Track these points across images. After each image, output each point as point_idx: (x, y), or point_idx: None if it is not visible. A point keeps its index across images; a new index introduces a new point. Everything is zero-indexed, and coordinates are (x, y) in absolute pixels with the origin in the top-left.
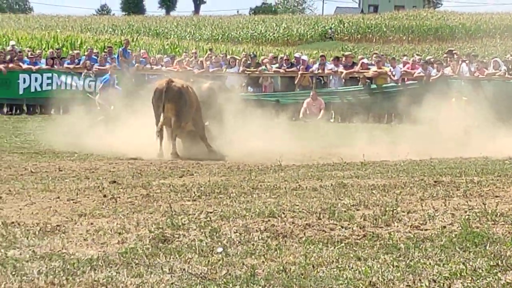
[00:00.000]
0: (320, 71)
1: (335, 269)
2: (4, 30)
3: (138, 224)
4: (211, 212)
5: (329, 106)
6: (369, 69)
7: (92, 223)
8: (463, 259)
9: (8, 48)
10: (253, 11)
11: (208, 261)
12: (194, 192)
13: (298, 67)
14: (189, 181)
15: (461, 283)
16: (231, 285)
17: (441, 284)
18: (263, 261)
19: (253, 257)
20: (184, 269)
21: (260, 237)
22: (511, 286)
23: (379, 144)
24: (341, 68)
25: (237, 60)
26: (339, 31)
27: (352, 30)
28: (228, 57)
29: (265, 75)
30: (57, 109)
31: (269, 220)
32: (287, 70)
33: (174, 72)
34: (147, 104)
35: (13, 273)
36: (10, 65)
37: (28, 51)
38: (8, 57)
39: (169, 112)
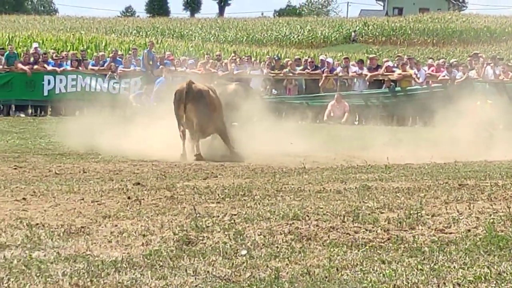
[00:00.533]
0: (344, 73)
1: (359, 272)
2: (29, 32)
3: (162, 226)
4: (235, 215)
5: (354, 108)
6: (393, 71)
7: (116, 225)
8: (488, 263)
9: (31, 50)
10: (277, 13)
11: (232, 263)
12: (218, 194)
13: (322, 69)
14: (213, 183)
15: (485, 287)
16: (255, 287)
17: None
18: (287, 264)
19: (277, 259)
20: (208, 271)
21: (284, 240)
22: None
23: (403, 147)
24: (365, 71)
25: (262, 63)
26: (363, 34)
27: (377, 33)
28: (253, 59)
29: (289, 77)
30: (82, 111)
31: (293, 223)
32: (312, 72)
33: (198, 74)
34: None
35: (38, 274)
36: (35, 66)
37: (53, 53)
38: (32, 59)
39: (190, 114)
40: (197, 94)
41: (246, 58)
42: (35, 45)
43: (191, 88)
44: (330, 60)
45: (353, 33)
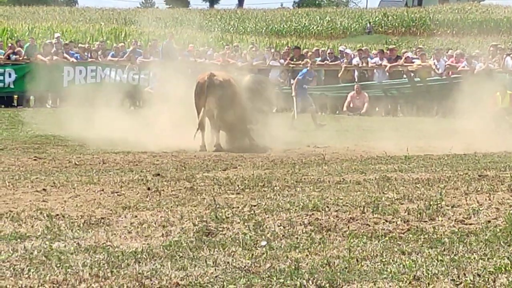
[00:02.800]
0: (364, 64)
1: (379, 263)
2: (49, 23)
3: (182, 217)
4: (255, 206)
5: (373, 99)
6: (413, 62)
7: (136, 216)
8: (508, 254)
9: (54, 40)
10: (296, 4)
11: (252, 254)
12: (238, 185)
13: (341, 60)
14: (233, 174)
15: (505, 277)
16: (275, 278)
17: (486, 279)
18: (307, 255)
19: (297, 250)
20: (228, 262)
21: (304, 231)
22: None
23: (422, 137)
24: (385, 62)
25: (281, 53)
26: (383, 25)
27: (396, 24)
28: (272, 50)
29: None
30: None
31: (313, 214)
32: (331, 63)
33: (217, 65)
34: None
35: (58, 265)
36: (55, 57)
37: (72, 43)
38: (54, 49)
39: (212, 106)
40: (218, 86)
41: (265, 49)
42: (57, 35)
43: (212, 81)
44: (349, 51)
45: (368, 24)
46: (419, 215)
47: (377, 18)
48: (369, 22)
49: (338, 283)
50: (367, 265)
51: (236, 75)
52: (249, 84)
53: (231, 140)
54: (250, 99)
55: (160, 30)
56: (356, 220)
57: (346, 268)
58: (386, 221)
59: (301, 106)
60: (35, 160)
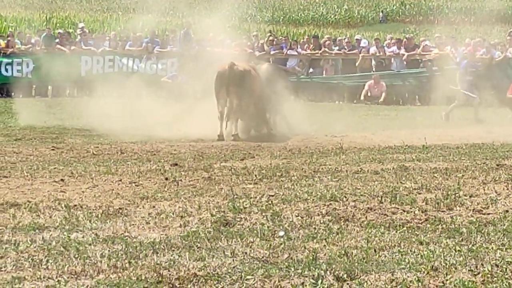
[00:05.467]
0: (381, 53)
1: (397, 253)
2: (67, 12)
3: (200, 207)
4: (272, 196)
5: (391, 88)
6: (431, 51)
7: (154, 206)
8: None
9: (78, 30)
10: None
11: (270, 244)
12: (256, 175)
13: (359, 49)
14: (250, 164)
15: None
16: (293, 269)
17: (504, 269)
18: (324, 245)
19: (314, 241)
20: (246, 253)
21: (321, 221)
22: None
23: (440, 126)
24: (402, 51)
25: (299, 42)
26: (400, 13)
27: (414, 12)
28: (290, 39)
29: (326, 57)
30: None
31: (330, 204)
32: (348, 52)
33: (235, 54)
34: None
35: (76, 256)
36: (73, 47)
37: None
38: (78, 38)
39: (232, 96)
40: (239, 76)
41: (283, 38)
42: (81, 25)
43: (233, 70)
44: (365, 42)
45: (380, 14)
46: (437, 205)
47: (394, 7)
48: (382, 11)
49: (356, 273)
50: (385, 255)
51: (252, 63)
52: (266, 73)
53: (249, 130)
54: (268, 88)
55: (178, 19)
56: (374, 210)
57: (364, 258)
58: (404, 211)
59: (465, 98)
60: (53, 150)
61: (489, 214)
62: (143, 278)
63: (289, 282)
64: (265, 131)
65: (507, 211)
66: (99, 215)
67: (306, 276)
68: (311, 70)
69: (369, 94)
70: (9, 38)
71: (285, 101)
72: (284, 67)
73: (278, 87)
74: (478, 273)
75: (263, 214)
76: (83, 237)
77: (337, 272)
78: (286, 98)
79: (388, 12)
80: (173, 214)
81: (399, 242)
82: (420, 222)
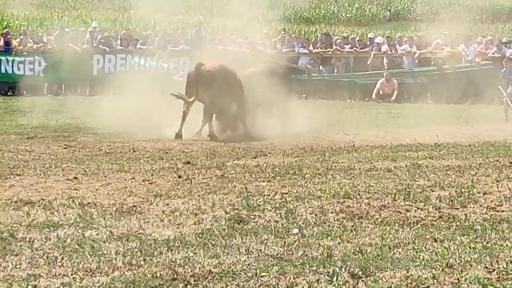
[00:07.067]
0: (393, 51)
1: (411, 251)
2: (78, 11)
3: (214, 205)
4: (286, 193)
5: (403, 86)
6: (442, 49)
7: (167, 204)
8: None
9: (90, 29)
10: None
11: (284, 242)
12: (269, 173)
13: (371, 47)
14: (263, 162)
15: None
16: (308, 266)
17: None
18: (339, 242)
19: (329, 238)
20: (260, 250)
21: (335, 218)
22: None
23: (452, 124)
24: (414, 49)
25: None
26: (412, 11)
27: (425, 10)
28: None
29: (338, 55)
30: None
31: (344, 201)
32: (360, 50)
33: (247, 52)
34: None
35: (91, 253)
36: (84, 46)
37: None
38: (88, 37)
39: (203, 95)
40: (207, 75)
41: (295, 36)
42: (94, 24)
43: (200, 70)
44: (379, 39)
45: (388, 13)
46: (450, 202)
47: (405, 5)
48: (389, 10)
49: (371, 270)
50: (400, 253)
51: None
52: (263, 74)
53: (225, 130)
54: (264, 89)
55: (189, 18)
56: (388, 207)
57: (378, 255)
58: (418, 208)
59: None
60: (65, 148)
61: (503, 211)
62: (158, 275)
63: (304, 279)
64: (241, 131)
65: None
66: (113, 213)
67: (321, 273)
68: (322, 68)
69: (380, 92)
70: (21, 37)
71: (276, 101)
72: (296, 65)
73: (265, 90)
74: (493, 270)
75: (277, 211)
76: (97, 234)
77: (352, 269)
78: (279, 99)
79: (399, 10)
80: (187, 211)
81: (413, 239)
82: (434, 219)
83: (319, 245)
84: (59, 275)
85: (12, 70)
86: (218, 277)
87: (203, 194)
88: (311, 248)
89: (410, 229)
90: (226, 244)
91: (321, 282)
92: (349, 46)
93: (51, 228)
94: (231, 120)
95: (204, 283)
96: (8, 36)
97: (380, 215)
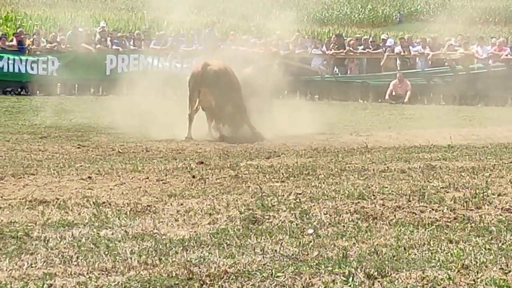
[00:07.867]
0: (406, 53)
1: (427, 252)
2: (91, 11)
3: (228, 205)
4: (300, 194)
5: (416, 88)
6: (456, 50)
7: (182, 204)
8: None
9: (98, 29)
10: None
11: (299, 242)
12: (282, 174)
13: (384, 49)
14: (277, 162)
15: None
16: (323, 266)
17: None
18: (354, 243)
19: (344, 238)
20: (275, 250)
21: (350, 219)
22: None
23: (465, 126)
24: (427, 50)
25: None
26: (424, 12)
27: (438, 11)
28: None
29: (351, 56)
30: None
31: (358, 202)
32: (373, 51)
33: (260, 53)
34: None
35: (106, 252)
36: (98, 46)
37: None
38: (98, 37)
39: (208, 97)
40: (213, 76)
41: (308, 37)
42: (102, 24)
43: (206, 71)
44: (390, 41)
45: (398, 14)
46: (465, 204)
47: (418, 6)
48: (399, 12)
49: (386, 271)
50: (415, 254)
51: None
52: (249, 76)
53: (231, 130)
54: (252, 91)
55: (202, 18)
56: (402, 208)
57: (394, 256)
58: (433, 209)
59: None
60: (78, 148)
61: None
62: (173, 275)
63: (319, 280)
64: (247, 131)
65: None
66: (128, 212)
67: (337, 274)
68: (335, 69)
69: (393, 93)
70: (34, 36)
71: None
72: (308, 66)
73: (265, 89)
74: (509, 272)
75: (292, 212)
76: (112, 234)
77: (367, 270)
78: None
79: (412, 11)
80: (201, 211)
81: (428, 240)
82: (449, 220)
83: (334, 245)
84: (74, 274)
85: (26, 70)
86: (234, 277)
87: (217, 194)
88: (326, 249)
89: (425, 230)
90: (241, 244)
91: (337, 283)
92: (362, 47)
93: (66, 227)
94: (236, 120)
95: (219, 283)
96: (22, 36)
97: (394, 216)
